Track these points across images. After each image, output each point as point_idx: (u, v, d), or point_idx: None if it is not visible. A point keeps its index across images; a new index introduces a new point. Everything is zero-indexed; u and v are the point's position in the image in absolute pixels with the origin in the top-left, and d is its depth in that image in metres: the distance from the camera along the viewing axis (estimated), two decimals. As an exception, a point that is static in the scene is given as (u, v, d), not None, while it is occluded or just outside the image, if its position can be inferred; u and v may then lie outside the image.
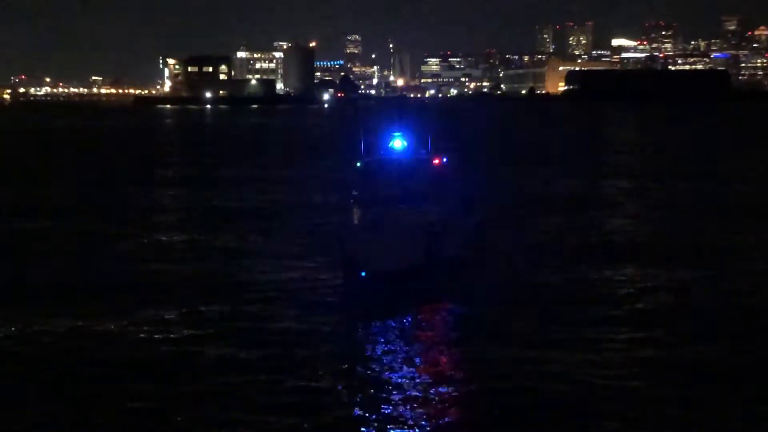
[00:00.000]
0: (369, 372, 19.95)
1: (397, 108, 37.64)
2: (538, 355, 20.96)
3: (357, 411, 17.71)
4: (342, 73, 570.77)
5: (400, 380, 19.36)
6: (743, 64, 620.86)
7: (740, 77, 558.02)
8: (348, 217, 29.23)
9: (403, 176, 29.94)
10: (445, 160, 32.20)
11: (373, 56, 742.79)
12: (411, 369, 20.22)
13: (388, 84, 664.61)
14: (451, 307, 25.93)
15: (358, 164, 31.77)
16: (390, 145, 32.70)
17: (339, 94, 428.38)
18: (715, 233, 38.18)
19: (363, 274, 26.70)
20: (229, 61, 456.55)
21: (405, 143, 32.86)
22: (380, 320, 24.15)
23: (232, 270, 30.91)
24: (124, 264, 32.38)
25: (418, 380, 19.42)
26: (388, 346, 21.97)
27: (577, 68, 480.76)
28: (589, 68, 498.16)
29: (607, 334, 22.81)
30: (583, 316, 24.50)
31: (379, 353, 21.37)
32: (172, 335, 23.07)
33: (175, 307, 25.60)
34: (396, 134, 32.95)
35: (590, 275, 29.83)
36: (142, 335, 23.09)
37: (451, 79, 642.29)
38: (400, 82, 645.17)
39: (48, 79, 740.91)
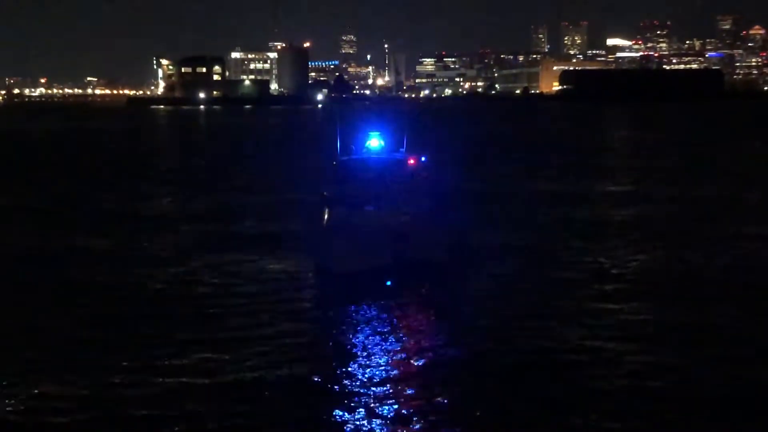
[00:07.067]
0: (345, 367, 19.96)
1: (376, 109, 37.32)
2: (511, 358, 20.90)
3: (340, 403, 17.71)
4: (337, 74, 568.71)
5: (370, 374, 19.39)
6: (738, 64, 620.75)
7: (735, 76, 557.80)
8: (317, 217, 28.82)
9: (377, 176, 29.57)
10: (423, 159, 31.87)
11: (368, 56, 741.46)
12: (385, 363, 20.21)
13: (382, 84, 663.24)
14: (414, 308, 25.55)
15: (335, 163, 31.49)
16: (367, 144, 32.42)
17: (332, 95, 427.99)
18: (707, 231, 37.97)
19: None
20: (222, 61, 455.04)
21: (382, 143, 32.56)
22: (349, 318, 24.01)
23: (202, 270, 30.48)
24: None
25: (391, 372, 19.46)
26: (361, 342, 21.88)
27: (572, 68, 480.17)
28: (583, 68, 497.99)
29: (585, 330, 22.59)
30: (553, 312, 24.32)
31: (352, 349, 21.28)
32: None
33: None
34: (373, 134, 32.67)
35: (561, 275, 29.50)
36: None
37: (446, 79, 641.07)
38: (380, 82, 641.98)
39: (43, 80, 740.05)
